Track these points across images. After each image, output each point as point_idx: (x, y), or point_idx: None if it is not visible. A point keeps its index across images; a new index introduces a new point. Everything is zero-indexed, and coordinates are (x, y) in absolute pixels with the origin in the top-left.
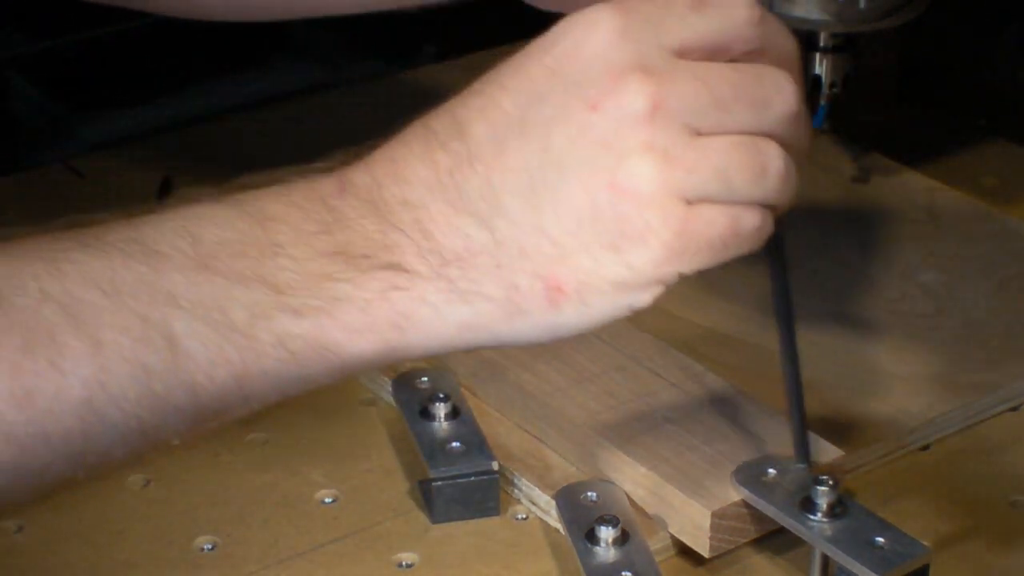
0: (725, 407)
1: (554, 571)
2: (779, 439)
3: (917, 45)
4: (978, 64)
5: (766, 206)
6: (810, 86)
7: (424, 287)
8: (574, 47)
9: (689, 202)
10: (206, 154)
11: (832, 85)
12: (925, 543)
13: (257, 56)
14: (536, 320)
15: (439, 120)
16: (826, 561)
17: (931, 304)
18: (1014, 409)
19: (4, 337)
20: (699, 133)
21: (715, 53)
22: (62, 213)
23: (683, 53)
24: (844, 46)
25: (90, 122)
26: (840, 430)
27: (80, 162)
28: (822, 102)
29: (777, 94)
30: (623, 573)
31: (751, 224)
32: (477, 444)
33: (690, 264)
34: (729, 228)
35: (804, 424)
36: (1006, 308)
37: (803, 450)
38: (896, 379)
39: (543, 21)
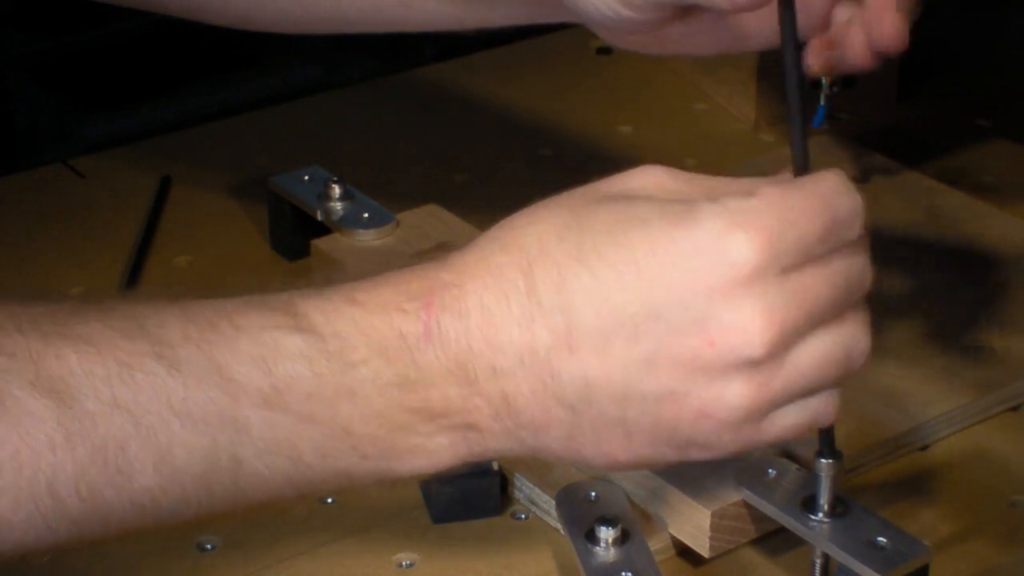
0: None
1: (554, 571)
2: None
3: (917, 45)
4: (978, 64)
5: None
6: (810, 86)
7: (493, 441)
8: (707, 273)
9: (766, 417)
10: (206, 154)
11: (832, 85)
12: (925, 543)
13: (257, 56)
14: (588, 466)
15: (544, 282)
16: (827, 561)
17: (931, 304)
18: (1014, 409)
19: (76, 440)
20: (793, 354)
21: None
22: (62, 213)
23: (796, 271)
24: None
25: (90, 122)
26: (840, 430)
27: (80, 162)
28: (822, 102)
29: (862, 280)
30: (623, 573)
31: (824, 411)
32: None
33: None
34: (801, 426)
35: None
36: (1006, 308)
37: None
38: (896, 379)
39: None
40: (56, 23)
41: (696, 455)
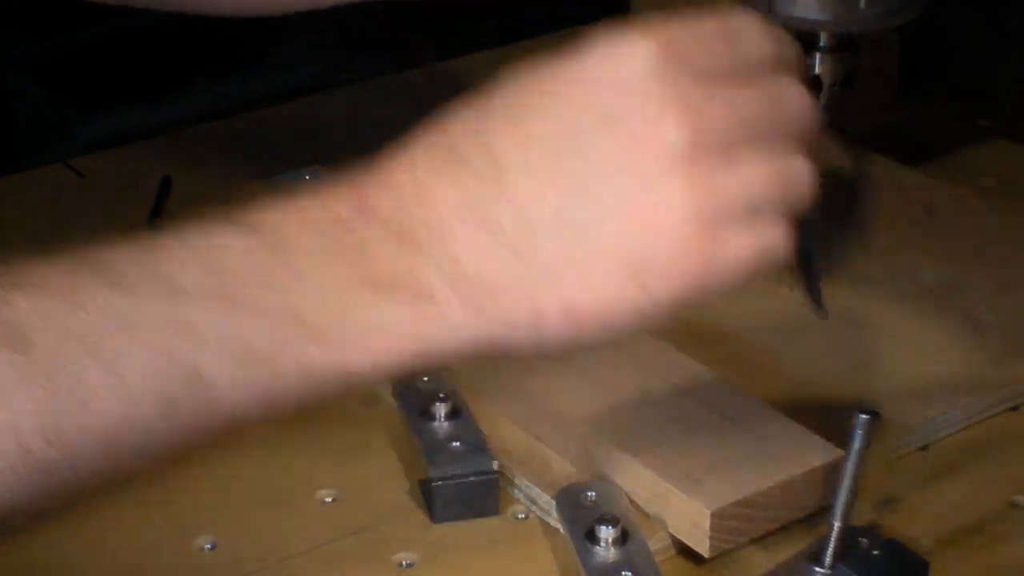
0: (725, 407)
1: (554, 571)
2: (779, 439)
3: (917, 45)
4: (978, 64)
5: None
6: (810, 86)
7: (449, 312)
8: (611, 76)
9: (717, 231)
10: (206, 154)
11: (832, 85)
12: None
13: (257, 56)
14: (555, 340)
15: (465, 140)
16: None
17: (931, 304)
18: (1014, 409)
19: (33, 379)
20: (728, 159)
21: (736, 74)
22: (62, 213)
23: (709, 80)
24: (844, 46)
25: (90, 122)
26: (840, 430)
27: (80, 162)
28: (822, 102)
29: (795, 105)
30: (623, 573)
31: (775, 241)
32: (477, 444)
33: (714, 290)
34: (755, 251)
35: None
36: (1006, 308)
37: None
38: (896, 379)
39: (541, 21)
40: (56, 23)
41: (658, 287)
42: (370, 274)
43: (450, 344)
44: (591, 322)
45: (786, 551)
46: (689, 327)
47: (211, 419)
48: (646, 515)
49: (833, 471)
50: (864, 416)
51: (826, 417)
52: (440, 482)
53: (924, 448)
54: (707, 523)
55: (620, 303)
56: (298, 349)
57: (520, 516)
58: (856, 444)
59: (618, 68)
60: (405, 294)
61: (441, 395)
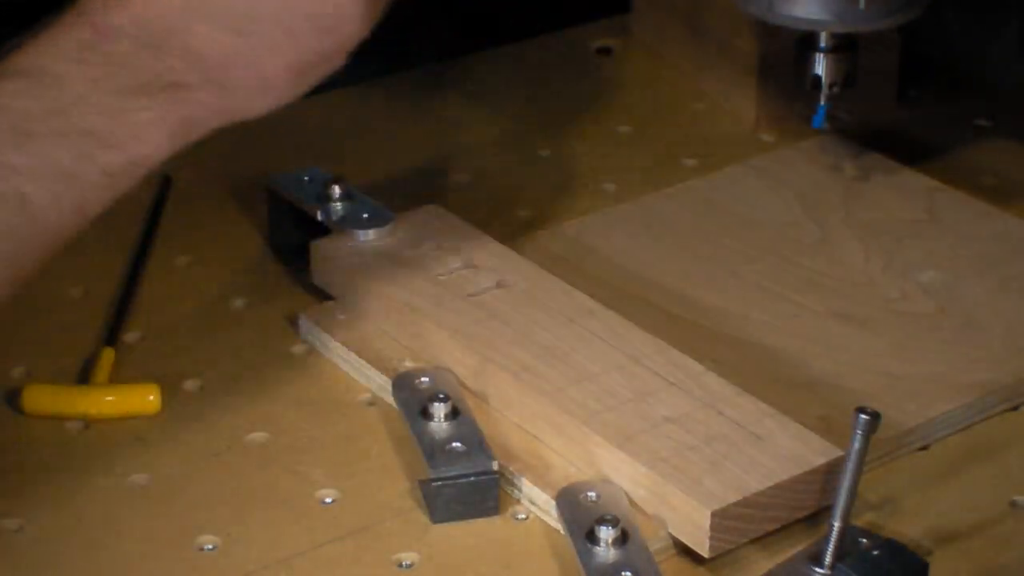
0: (725, 407)
1: (554, 571)
2: (779, 439)
3: (917, 45)
4: (978, 63)
5: None
6: (810, 86)
7: (199, 94)
8: None
9: None
10: (206, 154)
11: (832, 85)
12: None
13: None
14: (279, 97)
15: None
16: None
17: (931, 304)
18: (1014, 409)
19: None
20: None
21: None
22: None
23: None
24: (844, 46)
25: None
26: (840, 430)
27: None
28: (822, 102)
29: None
30: (623, 573)
31: None
32: (477, 444)
33: (374, 18)
34: None
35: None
36: (1006, 307)
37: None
38: (896, 379)
39: (538, 21)
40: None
41: (345, 26)
42: (134, 81)
43: (208, 120)
44: (309, 74)
45: (786, 551)
46: (690, 327)
47: (43, 239)
48: (646, 515)
49: (833, 471)
50: (864, 416)
51: (826, 417)
52: (440, 482)
53: (924, 448)
54: (707, 523)
55: (319, 52)
56: (98, 157)
57: (520, 516)
58: (856, 444)
59: None
60: (166, 89)
61: (441, 395)
